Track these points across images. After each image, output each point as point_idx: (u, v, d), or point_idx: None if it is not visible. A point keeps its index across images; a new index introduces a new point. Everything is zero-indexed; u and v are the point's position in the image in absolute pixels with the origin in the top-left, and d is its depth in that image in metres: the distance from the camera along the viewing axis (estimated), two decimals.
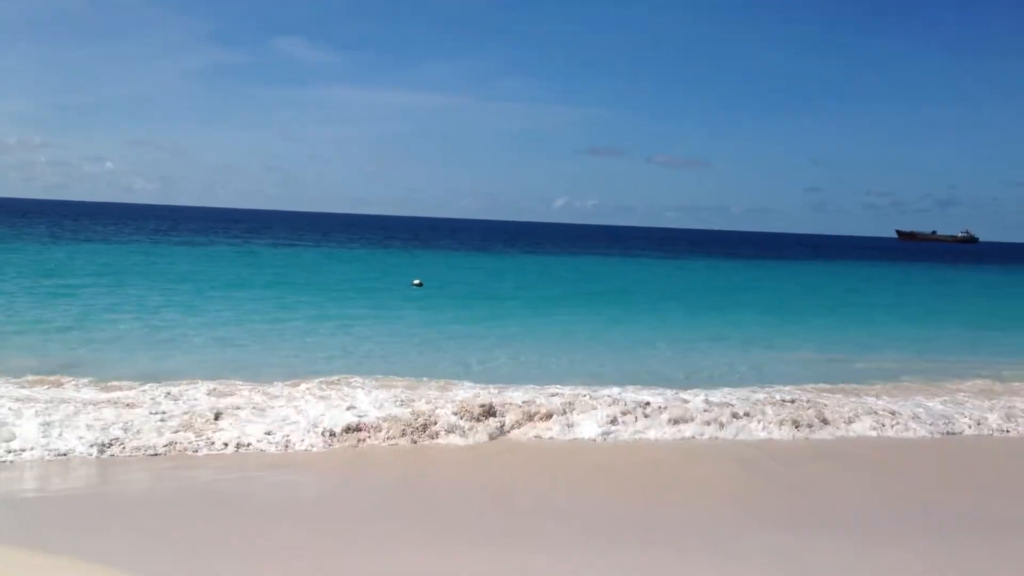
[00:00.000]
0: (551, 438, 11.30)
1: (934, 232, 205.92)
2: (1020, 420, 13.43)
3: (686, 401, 12.79)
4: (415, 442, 10.72)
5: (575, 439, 11.34)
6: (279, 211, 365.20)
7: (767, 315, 28.29)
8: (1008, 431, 12.99)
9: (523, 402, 12.12)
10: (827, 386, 15.21)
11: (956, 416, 13.30)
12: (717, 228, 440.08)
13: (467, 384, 13.83)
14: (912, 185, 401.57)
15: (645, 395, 13.05)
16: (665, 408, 12.23)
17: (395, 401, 12.05)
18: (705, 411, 12.30)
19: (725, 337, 21.87)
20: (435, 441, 10.84)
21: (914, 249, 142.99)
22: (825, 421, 12.46)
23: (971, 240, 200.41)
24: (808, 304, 33.86)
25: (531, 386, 13.58)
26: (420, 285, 33.32)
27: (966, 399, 14.83)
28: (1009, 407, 14.03)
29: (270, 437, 10.41)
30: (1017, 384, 16.55)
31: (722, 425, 11.99)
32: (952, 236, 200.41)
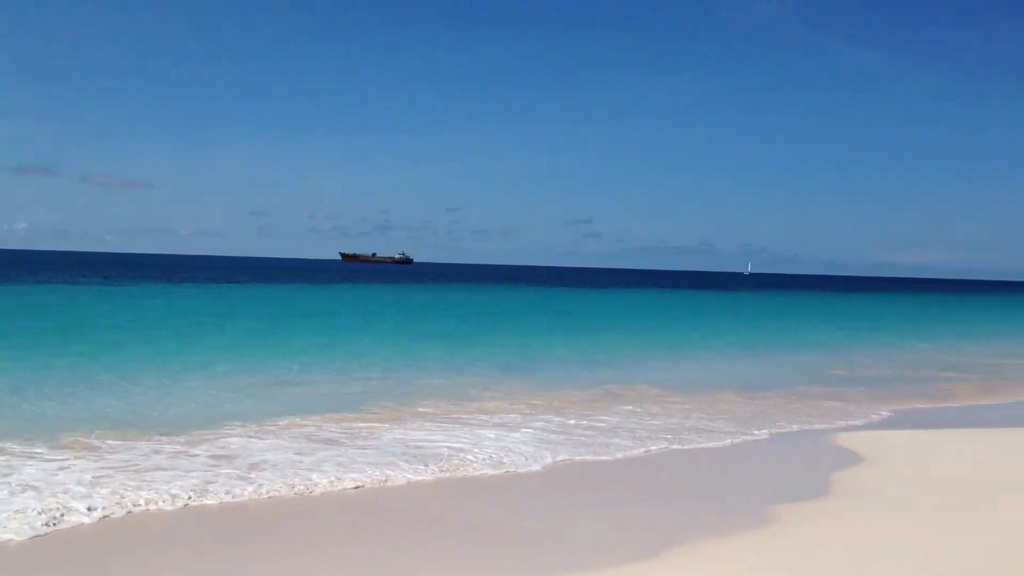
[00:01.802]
0: None
1: (374, 254, 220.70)
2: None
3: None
4: None
5: None
6: None
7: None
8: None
9: None
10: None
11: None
12: (164, 252, 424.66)
13: None
14: (354, 210, 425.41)
15: None
16: None
17: None
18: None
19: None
20: None
21: (357, 270, 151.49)
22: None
23: (407, 261, 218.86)
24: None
25: None
26: None
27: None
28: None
29: None
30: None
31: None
32: (391, 257, 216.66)
